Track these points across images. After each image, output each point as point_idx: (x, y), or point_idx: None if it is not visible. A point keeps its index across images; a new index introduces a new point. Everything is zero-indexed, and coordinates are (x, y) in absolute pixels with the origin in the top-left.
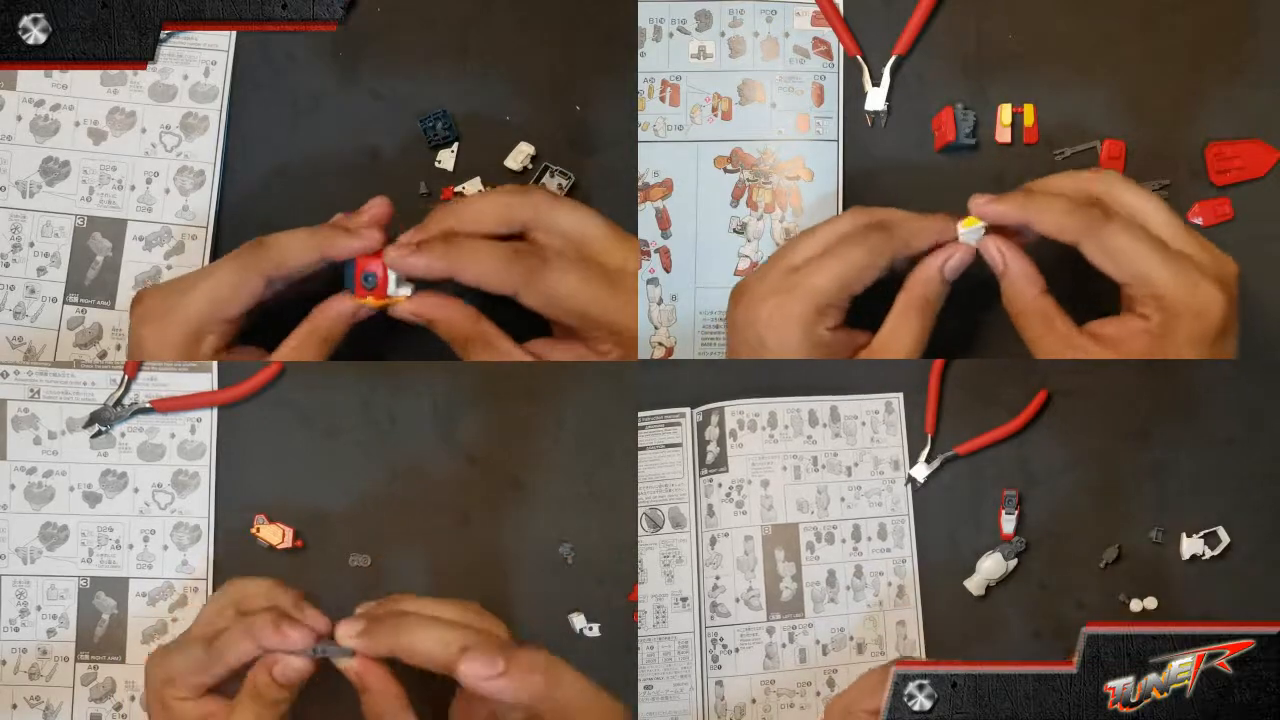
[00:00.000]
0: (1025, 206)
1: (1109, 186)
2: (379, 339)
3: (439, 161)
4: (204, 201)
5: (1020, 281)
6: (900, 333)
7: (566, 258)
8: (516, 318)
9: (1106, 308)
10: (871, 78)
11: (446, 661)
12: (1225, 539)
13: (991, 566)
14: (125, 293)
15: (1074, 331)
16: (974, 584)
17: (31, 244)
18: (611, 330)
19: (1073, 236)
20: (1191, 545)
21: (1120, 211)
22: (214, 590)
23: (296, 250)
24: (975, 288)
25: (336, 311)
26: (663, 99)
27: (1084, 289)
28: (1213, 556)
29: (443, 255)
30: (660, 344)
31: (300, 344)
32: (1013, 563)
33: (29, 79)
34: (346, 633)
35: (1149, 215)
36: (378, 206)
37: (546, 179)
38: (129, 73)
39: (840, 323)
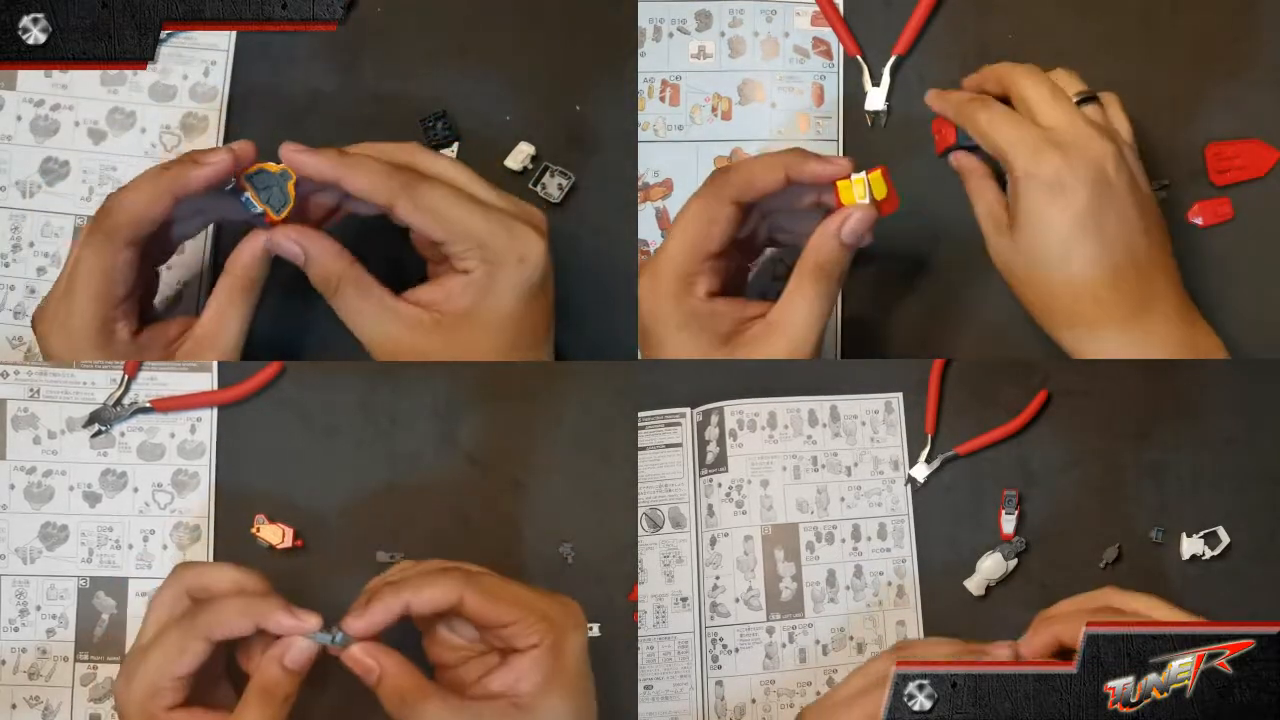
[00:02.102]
0: (338, 165)
1: (1013, 80)
2: None
3: None
4: None
5: (325, 259)
6: (795, 303)
7: (441, 180)
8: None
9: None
10: (871, 78)
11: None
12: (1225, 539)
13: (991, 566)
14: None
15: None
16: (974, 584)
17: (31, 244)
18: (478, 244)
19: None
20: (1191, 545)
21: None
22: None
23: (144, 203)
24: (975, 287)
25: (250, 253)
26: (663, 99)
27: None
28: (1213, 556)
29: (333, 161)
30: None
31: (224, 301)
32: (1013, 562)
33: (29, 79)
34: (349, 622)
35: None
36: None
37: (546, 179)
38: (129, 73)
39: (715, 290)
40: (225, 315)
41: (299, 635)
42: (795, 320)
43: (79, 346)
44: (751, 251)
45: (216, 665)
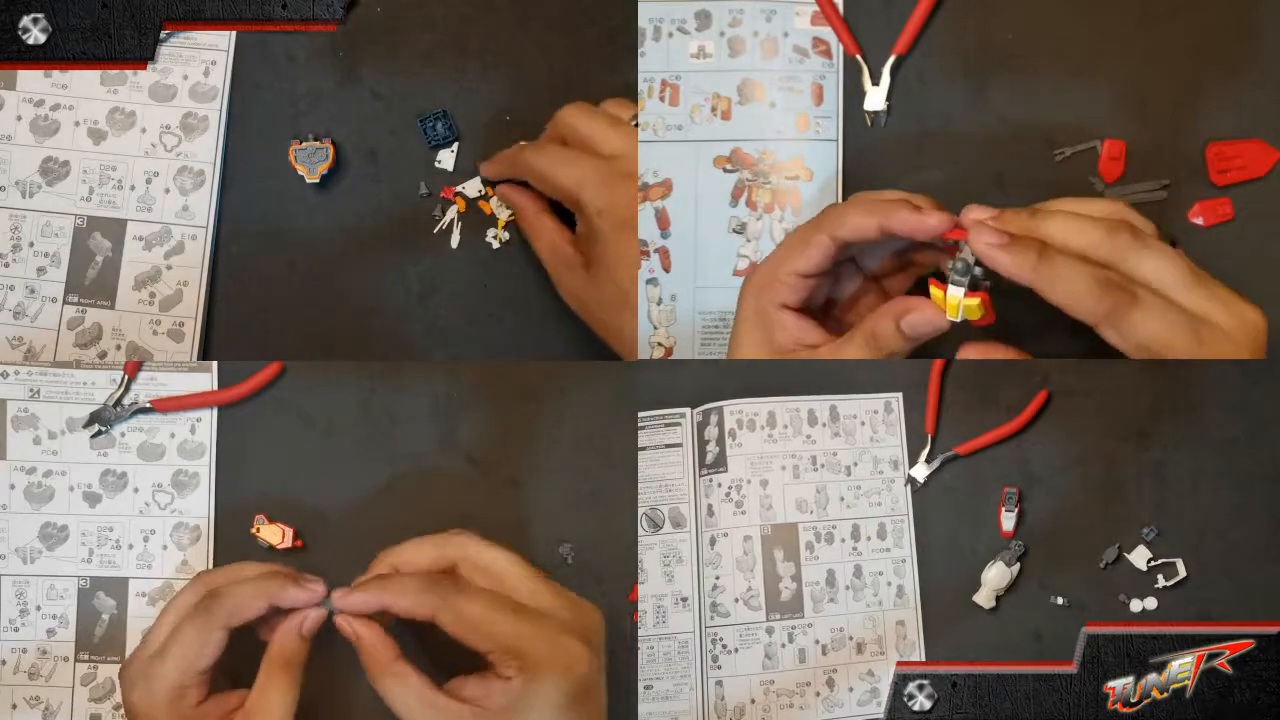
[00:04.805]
0: (1038, 272)
1: (1124, 253)
2: (380, 337)
3: (439, 161)
4: (204, 201)
5: (374, 649)
6: (842, 352)
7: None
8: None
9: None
10: (871, 77)
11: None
12: (1182, 572)
13: (996, 577)
14: (125, 292)
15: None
16: (982, 597)
17: (31, 244)
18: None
19: (1092, 319)
20: (1142, 555)
21: (1139, 282)
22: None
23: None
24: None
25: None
26: (662, 99)
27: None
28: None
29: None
30: (660, 344)
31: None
32: (1015, 568)
33: (29, 79)
34: (339, 597)
35: (1169, 281)
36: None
37: None
38: (129, 73)
39: (793, 305)
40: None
41: (312, 605)
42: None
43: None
44: (844, 282)
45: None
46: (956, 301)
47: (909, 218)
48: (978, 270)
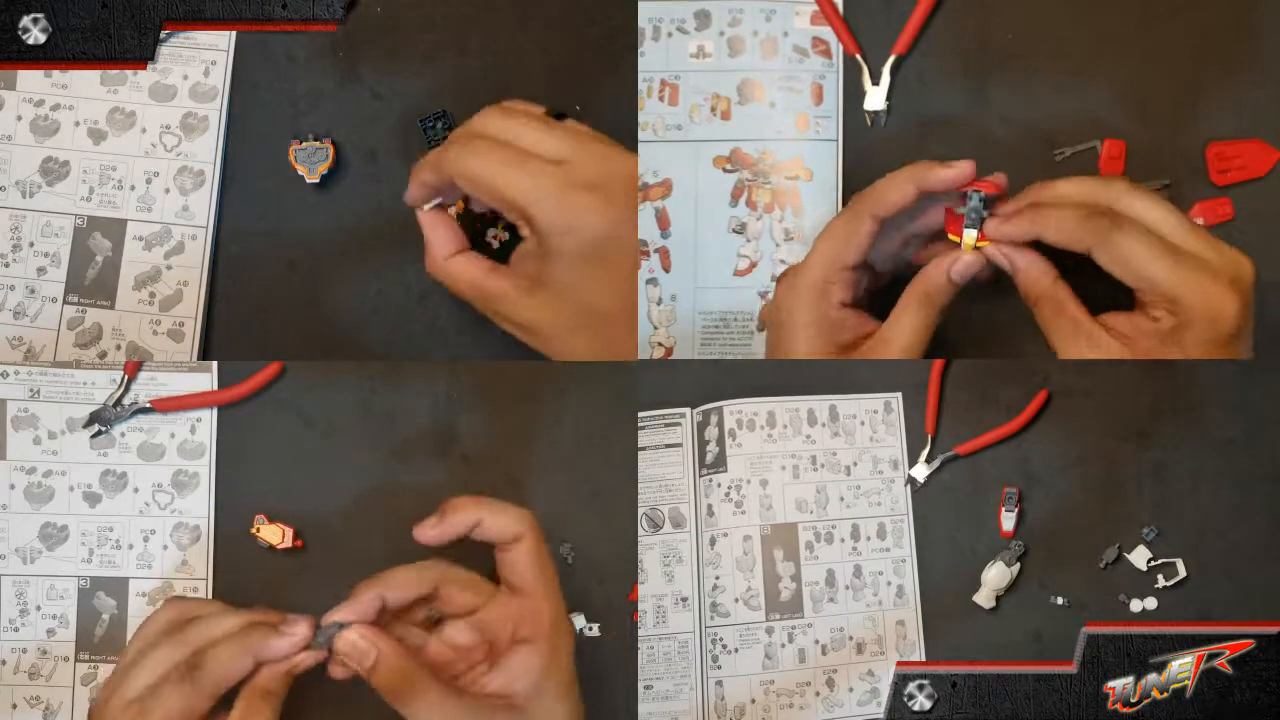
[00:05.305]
0: (1033, 222)
1: (1117, 195)
2: (380, 337)
3: None
4: (204, 201)
5: (1032, 273)
6: (900, 322)
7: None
8: None
9: (1121, 304)
10: (871, 77)
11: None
12: (1182, 572)
13: (996, 577)
14: (125, 292)
15: (1086, 318)
16: (982, 597)
17: (31, 244)
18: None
19: (1083, 245)
20: (1142, 555)
21: (1129, 218)
22: (211, 594)
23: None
24: (975, 288)
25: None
26: (662, 99)
27: (1096, 287)
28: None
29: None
30: (660, 344)
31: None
32: (1015, 568)
33: (29, 79)
34: (334, 614)
35: (1158, 221)
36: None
37: None
38: (129, 73)
39: (849, 301)
40: None
41: (298, 649)
42: (898, 338)
43: None
44: (892, 270)
45: None
46: (971, 241)
47: (944, 173)
48: (985, 213)
